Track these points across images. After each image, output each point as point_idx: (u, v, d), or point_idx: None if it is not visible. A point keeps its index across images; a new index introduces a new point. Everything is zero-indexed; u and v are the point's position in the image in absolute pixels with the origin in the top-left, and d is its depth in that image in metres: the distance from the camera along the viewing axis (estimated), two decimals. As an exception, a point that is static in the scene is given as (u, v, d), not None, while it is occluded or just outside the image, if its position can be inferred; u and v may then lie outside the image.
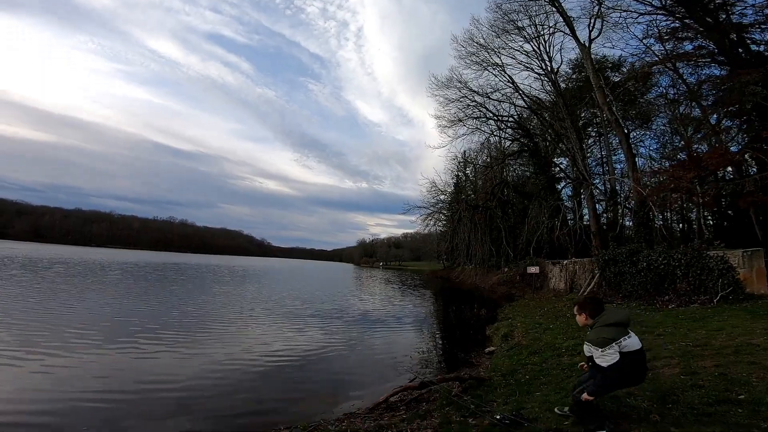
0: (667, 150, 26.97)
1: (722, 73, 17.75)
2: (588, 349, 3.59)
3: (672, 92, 23.70)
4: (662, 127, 27.42)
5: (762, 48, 17.05)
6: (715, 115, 19.18)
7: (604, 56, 26.83)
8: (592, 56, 22.49)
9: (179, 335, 10.29)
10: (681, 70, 20.69)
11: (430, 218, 36.42)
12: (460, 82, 29.35)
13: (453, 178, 43.48)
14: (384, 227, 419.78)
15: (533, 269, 22.54)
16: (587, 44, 21.88)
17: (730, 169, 18.62)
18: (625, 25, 21.08)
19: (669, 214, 25.10)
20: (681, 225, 25.18)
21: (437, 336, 12.43)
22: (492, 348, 9.40)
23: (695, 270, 11.11)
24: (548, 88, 28.01)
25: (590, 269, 19.07)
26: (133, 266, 39.68)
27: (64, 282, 21.19)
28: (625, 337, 3.42)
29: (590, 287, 17.63)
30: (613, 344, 3.35)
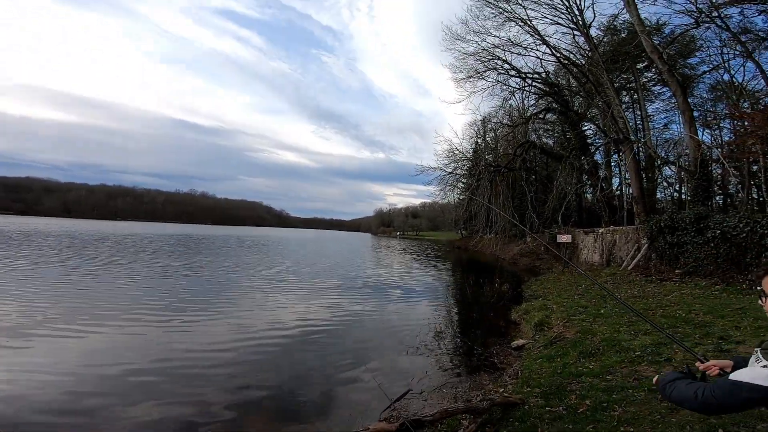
0: (708, 118, 24.34)
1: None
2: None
3: (720, 52, 20.42)
4: (703, 94, 24.60)
5: None
6: None
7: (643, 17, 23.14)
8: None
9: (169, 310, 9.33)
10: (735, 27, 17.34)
11: (446, 183, 33.32)
12: (477, 32, 25.73)
13: (472, 145, 40.31)
14: (401, 197, 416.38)
15: (564, 238, 19.69)
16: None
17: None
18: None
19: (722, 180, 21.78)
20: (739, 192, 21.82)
21: (452, 320, 10.00)
22: (521, 341, 6.92)
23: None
24: (580, 42, 24.20)
25: (634, 239, 16.18)
26: (132, 238, 38.69)
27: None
28: None
29: (636, 260, 14.81)
30: None
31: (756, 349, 1.41)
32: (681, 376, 1.60)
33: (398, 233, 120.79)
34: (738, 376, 1.34)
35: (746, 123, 15.45)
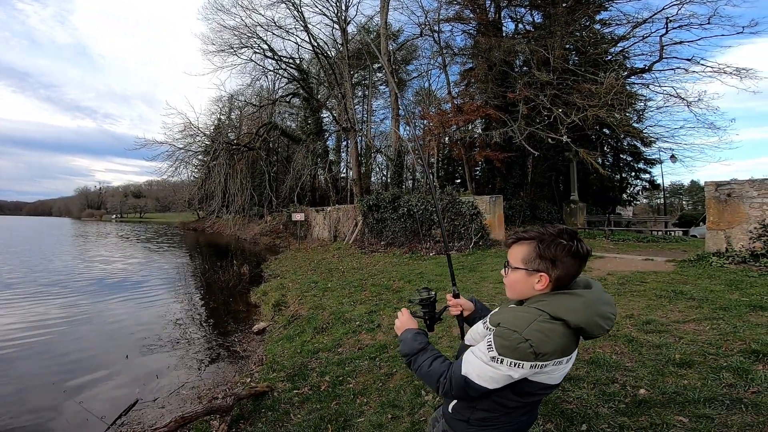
0: (409, 116, 31.38)
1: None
2: (475, 336, 1.39)
3: (428, 63, 26.83)
4: (410, 97, 31.45)
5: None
6: (456, 88, 22.65)
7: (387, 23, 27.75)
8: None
9: None
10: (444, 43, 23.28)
11: (177, 159, 29.88)
12: (244, 8, 24.51)
13: (214, 121, 37.77)
14: (118, 174, 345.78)
15: (299, 216, 21.52)
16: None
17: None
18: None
19: (413, 167, 28.95)
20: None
21: (190, 311, 9.32)
22: (263, 324, 7.35)
23: (450, 215, 12.06)
24: (337, 36, 26.80)
25: (353, 216, 19.39)
26: None
27: None
28: (568, 358, 1.21)
29: (354, 235, 17.87)
30: (533, 365, 1.12)
31: (488, 323, 1.29)
32: (420, 347, 1.36)
33: (114, 216, 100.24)
34: (467, 366, 1.18)
35: (429, 123, 20.85)
